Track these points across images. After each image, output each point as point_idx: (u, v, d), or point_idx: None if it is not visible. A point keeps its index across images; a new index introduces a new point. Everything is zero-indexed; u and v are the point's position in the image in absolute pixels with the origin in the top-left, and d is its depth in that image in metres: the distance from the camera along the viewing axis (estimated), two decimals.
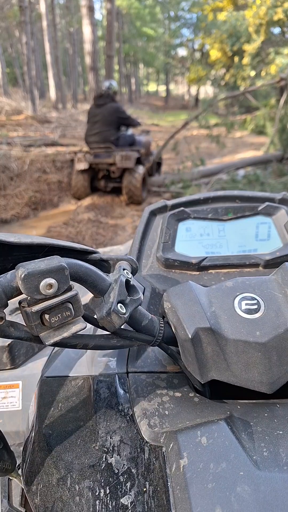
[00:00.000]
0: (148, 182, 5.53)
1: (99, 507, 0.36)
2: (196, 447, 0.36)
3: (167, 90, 38.77)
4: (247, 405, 0.42)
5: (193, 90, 28.76)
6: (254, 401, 0.43)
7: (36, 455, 0.43)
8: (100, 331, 0.54)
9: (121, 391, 0.48)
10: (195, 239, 0.76)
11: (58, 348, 0.63)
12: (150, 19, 28.19)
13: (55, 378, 0.53)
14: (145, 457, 0.39)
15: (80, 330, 0.37)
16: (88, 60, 9.18)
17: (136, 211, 4.88)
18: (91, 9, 8.59)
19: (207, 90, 25.15)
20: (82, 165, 5.01)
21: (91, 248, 0.47)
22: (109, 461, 0.39)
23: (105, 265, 0.50)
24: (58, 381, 0.52)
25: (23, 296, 0.34)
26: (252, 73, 12.25)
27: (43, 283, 0.33)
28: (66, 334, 0.36)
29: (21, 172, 5.70)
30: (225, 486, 0.32)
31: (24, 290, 0.32)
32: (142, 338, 0.44)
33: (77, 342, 0.40)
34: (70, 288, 0.36)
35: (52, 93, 13.95)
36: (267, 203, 0.77)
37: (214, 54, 14.37)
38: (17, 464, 0.46)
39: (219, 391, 0.52)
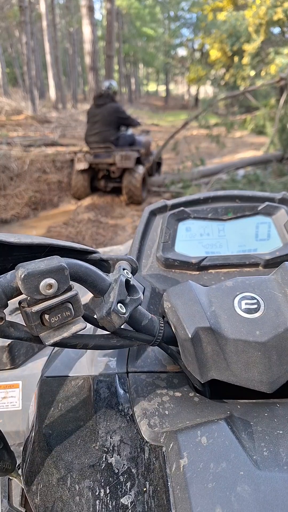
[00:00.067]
0: (148, 182, 5.52)
1: (99, 507, 0.36)
2: (196, 447, 0.36)
3: (167, 90, 38.76)
4: (247, 405, 0.42)
5: (193, 90, 28.76)
6: (254, 400, 0.43)
7: (36, 455, 0.43)
8: (100, 331, 0.54)
9: (121, 391, 0.48)
10: (195, 239, 0.76)
11: (58, 348, 0.63)
12: (150, 19, 28.19)
13: (55, 378, 0.53)
14: (145, 457, 0.39)
15: (80, 330, 0.37)
16: (88, 60, 9.18)
17: (136, 211, 4.88)
18: (91, 9, 8.59)
19: (207, 90, 25.15)
20: (82, 165, 5.01)
21: (91, 248, 0.47)
22: (109, 461, 0.39)
23: (105, 265, 0.50)
24: (58, 381, 0.52)
25: (23, 296, 0.34)
26: (252, 73, 12.24)
27: (43, 283, 0.33)
28: (66, 334, 0.36)
29: (21, 172, 5.70)
30: (225, 485, 0.32)
31: (24, 290, 0.32)
32: (142, 338, 0.44)
33: (77, 342, 0.40)
34: (70, 288, 0.36)
35: (52, 93, 13.95)
36: (267, 203, 0.77)
37: (214, 54, 14.36)
38: (17, 464, 0.46)
39: (219, 391, 0.52)
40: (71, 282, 0.36)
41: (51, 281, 0.33)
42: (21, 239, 0.36)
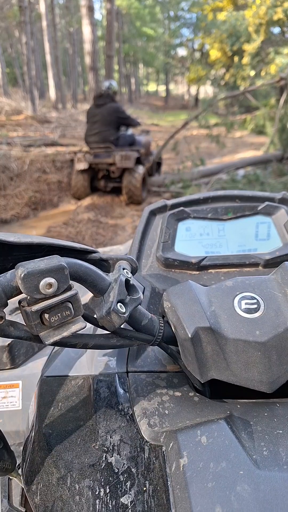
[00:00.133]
0: (148, 182, 5.52)
1: (99, 506, 0.36)
2: (196, 446, 0.36)
3: (167, 90, 38.76)
4: (247, 405, 0.42)
5: (193, 90, 28.76)
6: (254, 400, 0.43)
7: (36, 454, 0.43)
8: (100, 331, 0.54)
9: (121, 391, 0.48)
10: (195, 238, 0.76)
11: (58, 347, 0.63)
12: (150, 19, 28.19)
13: (55, 378, 0.53)
14: (145, 457, 0.39)
15: (80, 330, 0.37)
16: (88, 60, 9.18)
17: (136, 211, 4.88)
18: (90, 9, 8.59)
19: (207, 90, 25.14)
20: (82, 165, 5.01)
21: (91, 248, 0.47)
22: (109, 461, 0.39)
23: (105, 264, 0.50)
24: (58, 380, 0.52)
25: (23, 295, 0.34)
26: (252, 73, 12.24)
27: (42, 282, 0.33)
28: (66, 333, 0.36)
29: (21, 172, 5.70)
30: (225, 485, 0.32)
31: (24, 290, 0.32)
32: (142, 338, 0.44)
33: (77, 342, 0.40)
34: (69, 288, 0.36)
35: (52, 93, 13.95)
36: (267, 203, 0.77)
37: (214, 54, 14.36)
38: (17, 464, 0.46)
39: (219, 391, 0.52)
40: (71, 282, 0.36)
41: (51, 280, 0.33)
42: (21, 238, 0.36)
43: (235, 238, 0.75)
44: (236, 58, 13.46)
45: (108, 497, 0.36)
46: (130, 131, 5.48)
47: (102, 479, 0.38)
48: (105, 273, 0.41)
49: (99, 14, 29.73)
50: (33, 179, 5.66)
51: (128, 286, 0.42)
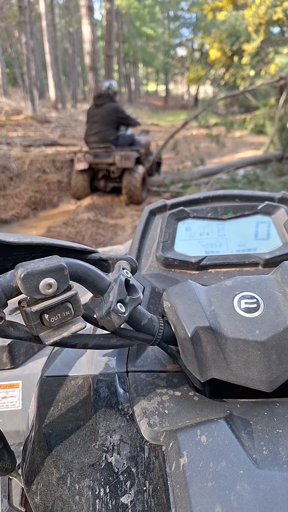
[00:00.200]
0: (148, 182, 5.52)
1: (99, 506, 0.36)
2: (196, 446, 0.36)
3: (167, 90, 38.75)
4: (246, 404, 0.42)
5: (193, 89, 28.76)
6: (253, 400, 0.43)
7: (36, 454, 0.43)
8: (99, 331, 0.54)
9: (121, 390, 0.48)
10: (194, 238, 0.76)
11: (58, 347, 0.63)
12: (149, 19, 28.17)
13: (55, 378, 0.53)
14: (145, 456, 0.39)
15: (80, 330, 0.37)
16: (87, 60, 9.18)
17: (136, 211, 4.88)
18: (90, 9, 8.59)
19: (206, 90, 25.13)
20: (81, 165, 5.01)
21: (91, 248, 0.47)
22: (109, 460, 0.39)
23: (104, 264, 0.50)
24: (58, 380, 0.52)
25: (22, 296, 0.34)
26: (252, 73, 12.24)
27: (42, 282, 0.33)
28: (65, 333, 0.36)
29: (21, 172, 5.70)
30: (225, 484, 0.32)
31: (24, 290, 0.33)
32: (142, 337, 0.44)
33: (76, 342, 0.40)
34: (69, 288, 0.36)
35: (52, 93, 13.94)
36: (266, 202, 0.77)
37: (214, 53, 14.35)
38: (17, 464, 0.46)
39: (219, 390, 0.52)
40: (71, 282, 0.36)
41: (51, 280, 0.33)
42: (21, 239, 0.36)
43: (235, 237, 0.75)
44: (235, 58, 13.45)
45: (108, 497, 0.36)
46: (130, 131, 5.48)
47: (102, 479, 0.38)
48: (105, 273, 0.41)
49: (98, 14, 29.74)
50: (33, 179, 5.66)
51: (128, 286, 0.42)
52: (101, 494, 0.37)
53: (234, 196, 0.82)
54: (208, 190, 4.79)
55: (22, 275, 0.32)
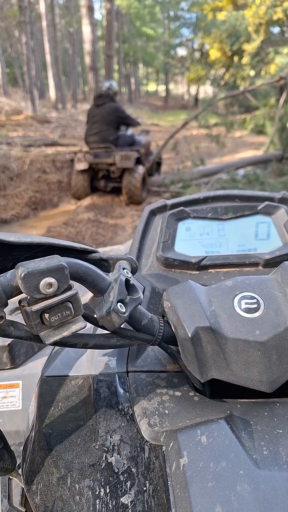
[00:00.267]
0: (148, 182, 5.52)
1: (99, 506, 0.36)
2: (196, 446, 0.36)
3: (167, 90, 38.75)
4: (247, 404, 0.42)
5: (193, 89, 28.77)
6: (254, 400, 0.43)
7: (36, 454, 0.43)
8: (100, 331, 0.54)
9: (121, 391, 0.48)
10: (194, 238, 0.76)
11: (58, 347, 0.63)
12: (149, 19, 28.18)
13: (55, 378, 0.53)
14: (145, 456, 0.39)
15: (80, 329, 0.37)
16: (87, 60, 9.18)
17: (136, 211, 4.88)
18: (90, 9, 8.59)
19: (206, 90, 25.13)
20: (82, 165, 5.01)
21: (91, 248, 0.47)
22: (109, 460, 0.39)
23: (105, 264, 0.50)
24: (58, 380, 0.52)
25: (23, 295, 0.34)
26: (252, 73, 12.24)
27: (43, 282, 0.33)
28: (66, 333, 0.36)
29: (21, 172, 5.70)
30: (225, 485, 0.32)
31: (24, 290, 0.33)
32: (142, 337, 0.44)
33: (77, 341, 0.40)
34: (70, 287, 0.36)
35: (52, 93, 13.94)
36: (266, 203, 0.77)
37: (214, 53, 14.35)
38: (17, 464, 0.46)
39: (219, 390, 0.52)
40: (71, 282, 0.36)
41: (51, 280, 0.33)
42: (21, 238, 0.36)
43: (235, 237, 0.75)
44: (236, 58, 13.45)
45: (108, 497, 0.36)
46: (130, 131, 5.48)
47: (102, 479, 0.38)
48: (105, 273, 0.41)
49: (99, 14, 29.77)
50: (33, 179, 5.66)
51: (128, 286, 0.42)
52: (102, 494, 0.37)
53: (234, 196, 0.82)
54: (208, 190, 4.79)
55: (22, 275, 0.32)
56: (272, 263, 0.69)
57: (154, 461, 0.38)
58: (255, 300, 0.42)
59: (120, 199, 5.24)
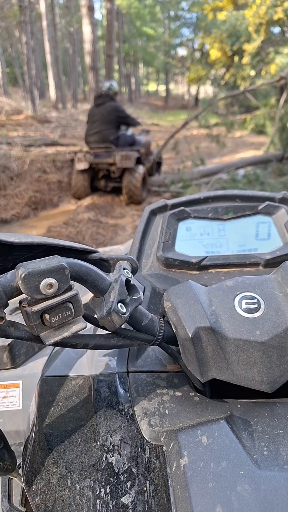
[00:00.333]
0: (148, 181, 5.52)
1: (99, 506, 0.36)
2: (197, 446, 0.36)
3: (167, 90, 38.74)
4: (247, 404, 0.42)
5: (193, 89, 28.76)
6: (254, 400, 0.43)
7: (37, 454, 0.43)
8: (100, 331, 0.54)
9: (121, 391, 0.48)
10: (195, 238, 0.76)
11: (59, 347, 0.63)
12: (150, 19, 28.17)
13: (55, 378, 0.53)
14: (146, 456, 0.39)
15: (81, 330, 0.37)
16: (88, 59, 9.18)
17: (136, 211, 4.88)
18: (91, 9, 8.59)
19: (207, 90, 25.14)
20: (82, 165, 5.01)
21: (91, 248, 0.47)
22: (109, 460, 0.39)
23: (105, 264, 0.50)
24: (58, 380, 0.52)
25: (23, 296, 0.34)
26: (252, 73, 12.24)
27: (43, 282, 0.33)
28: (66, 333, 0.36)
29: (21, 172, 5.70)
30: (225, 485, 0.32)
31: (25, 290, 0.32)
32: (143, 338, 0.44)
33: (77, 342, 0.40)
34: (70, 288, 0.36)
35: (52, 93, 13.94)
36: (267, 203, 0.77)
37: (214, 53, 14.36)
38: (17, 464, 0.46)
39: (219, 391, 0.52)
40: (72, 282, 0.36)
41: (52, 280, 0.33)
42: (21, 238, 0.36)
43: (236, 238, 0.75)
44: (236, 58, 13.46)
45: (108, 497, 0.36)
46: (130, 131, 5.48)
47: (103, 479, 0.38)
48: (105, 273, 0.41)
49: (99, 14, 29.79)
50: (33, 179, 5.66)
51: (129, 286, 0.42)
52: (102, 494, 0.37)
53: (234, 196, 0.82)
54: (208, 190, 4.79)
55: (23, 275, 0.32)
56: (273, 263, 0.69)
57: (155, 461, 0.38)
58: (255, 300, 0.42)
59: (120, 199, 5.24)
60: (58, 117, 11.44)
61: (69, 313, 0.36)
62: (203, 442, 0.36)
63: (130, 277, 0.43)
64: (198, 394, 0.45)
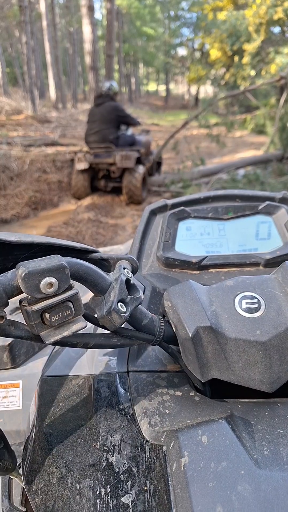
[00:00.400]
0: (148, 181, 5.52)
1: (99, 506, 0.36)
2: (197, 446, 0.36)
3: (167, 90, 38.74)
4: (247, 404, 0.42)
5: (193, 89, 28.77)
6: (254, 400, 0.43)
7: (37, 454, 0.43)
8: (100, 330, 0.54)
9: (121, 390, 0.48)
10: (195, 238, 0.76)
11: (59, 347, 0.63)
12: (150, 19, 28.16)
13: (55, 377, 0.53)
14: (146, 456, 0.39)
15: (81, 329, 0.37)
16: (88, 59, 9.18)
17: (136, 211, 4.88)
18: (91, 9, 8.59)
19: (207, 90, 25.14)
20: (82, 165, 5.01)
21: (91, 247, 0.47)
22: (109, 460, 0.39)
23: (105, 264, 0.50)
24: (58, 380, 0.52)
25: (23, 295, 0.34)
26: (252, 73, 12.24)
27: (43, 282, 0.33)
28: (66, 333, 0.36)
29: (21, 172, 5.70)
30: (225, 485, 0.32)
31: (25, 289, 0.32)
32: (143, 337, 0.44)
33: (77, 341, 0.40)
34: (70, 287, 0.36)
35: (52, 92, 13.94)
36: (267, 202, 0.77)
37: (214, 53, 14.37)
38: (17, 463, 0.46)
39: (219, 390, 0.52)
40: (72, 281, 0.36)
41: (52, 280, 0.33)
42: (22, 238, 0.36)
43: (236, 237, 0.75)
44: (236, 58, 13.46)
45: (109, 497, 0.36)
46: (130, 131, 5.48)
47: (103, 479, 0.38)
48: (105, 273, 0.41)
49: (99, 14, 29.79)
50: (33, 179, 5.66)
51: (129, 286, 0.42)
52: (102, 494, 0.37)
53: (234, 196, 0.82)
54: (208, 190, 4.79)
55: (23, 274, 0.32)
56: (273, 263, 0.69)
57: (155, 461, 0.38)
58: (256, 300, 0.42)
59: (120, 199, 5.24)
60: (58, 117, 11.44)
61: (69, 312, 0.36)
62: (203, 441, 0.36)
63: (130, 277, 0.43)
64: (198, 394, 0.45)
